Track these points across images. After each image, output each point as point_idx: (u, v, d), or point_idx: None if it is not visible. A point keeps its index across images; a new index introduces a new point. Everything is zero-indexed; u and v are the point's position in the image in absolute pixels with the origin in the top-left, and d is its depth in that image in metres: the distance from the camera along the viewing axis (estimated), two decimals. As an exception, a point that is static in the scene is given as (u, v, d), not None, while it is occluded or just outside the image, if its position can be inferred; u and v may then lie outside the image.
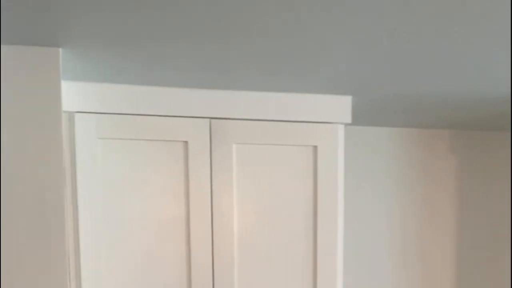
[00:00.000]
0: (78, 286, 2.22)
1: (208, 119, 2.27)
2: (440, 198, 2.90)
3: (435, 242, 2.92)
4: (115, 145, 2.24)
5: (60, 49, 1.83)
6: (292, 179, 2.36)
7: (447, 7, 1.59)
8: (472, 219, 2.94)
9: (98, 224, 2.24)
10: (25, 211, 1.86)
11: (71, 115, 2.16)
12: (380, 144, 2.81)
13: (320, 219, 2.37)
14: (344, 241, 2.42)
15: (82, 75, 2.09)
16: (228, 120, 2.28)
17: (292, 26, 1.72)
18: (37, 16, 1.60)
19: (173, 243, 2.31)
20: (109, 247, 2.26)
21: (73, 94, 2.14)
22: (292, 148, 2.34)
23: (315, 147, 2.34)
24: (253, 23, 1.69)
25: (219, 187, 2.31)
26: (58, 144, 1.88)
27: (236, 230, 2.34)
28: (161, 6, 1.54)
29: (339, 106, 2.32)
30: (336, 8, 1.59)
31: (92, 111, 2.19)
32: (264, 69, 2.07)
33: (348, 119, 2.34)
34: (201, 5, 1.54)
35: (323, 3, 1.55)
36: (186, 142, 2.27)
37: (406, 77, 2.17)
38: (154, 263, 2.31)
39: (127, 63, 2.00)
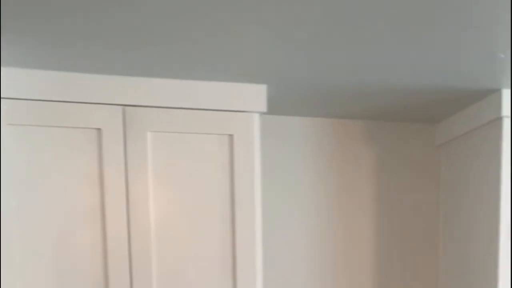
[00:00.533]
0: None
1: (121, 106, 2.24)
2: (358, 188, 2.93)
3: (354, 231, 2.94)
4: (26, 131, 2.19)
5: (-37, 31, 1.79)
6: (208, 168, 2.35)
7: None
8: (390, 209, 2.97)
9: (10, 212, 2.19)
10: None
11: (-24, 100, 2.11)
12: (297, 133, 2.81)
13: (238, 208, 2.37)
14: (262, 229, 2.42)
15: (-12, 59, 2.05)
16: (142, 108, 2.26)
17: (206, 14, 1.72)
18: None
19: (89, 232, 2.28)
20: (22, 235, 2.22)
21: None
22: (208, 136, 2.33)
23: (231, 136, 2.34)
24: (167, 10, 1.69)
25: (134, 175, 2.29)
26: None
27: (153, 218, 2.32)
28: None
29: (254, 94, 2.33)
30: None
31: (1, 96, 2.14)
32: (178, 56, 2.06)
33: (264, 108, 2.34)
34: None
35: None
36: (99, 130, 2.24)
37: (321, 67, 2.19)
38: (69, 252, 2.28)
39: (38, 47, 1.96)
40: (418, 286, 3.05)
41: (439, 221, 3.04)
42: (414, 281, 3.04)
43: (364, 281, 2.99)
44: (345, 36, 1.91)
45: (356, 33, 1.89)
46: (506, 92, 2.43)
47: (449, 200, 2.94)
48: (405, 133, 2.95)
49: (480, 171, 2.67)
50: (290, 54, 2.05)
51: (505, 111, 2.45)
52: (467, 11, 1.77)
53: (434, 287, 3.07)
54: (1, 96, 2.13)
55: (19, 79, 2.14)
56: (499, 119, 2.48)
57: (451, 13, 1.78)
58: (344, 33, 1.89)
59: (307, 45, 1.98)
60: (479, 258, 2.69)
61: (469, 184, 2.77)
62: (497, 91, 2.45)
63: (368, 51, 2.04)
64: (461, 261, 2.84)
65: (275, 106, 2.54)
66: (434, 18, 1.80)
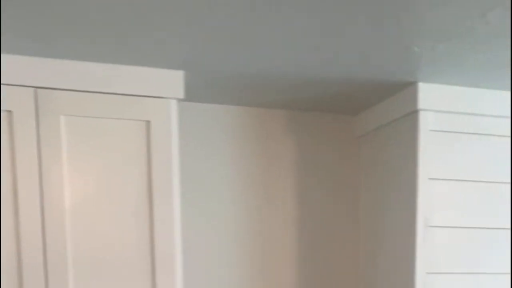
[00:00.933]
0: None
1: (33, 88, 2.18)
2: (279, 178, 2.92)
3: (275, 223, 2.93)
4: None
5: None
6: (125, 154, 2.32)
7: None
8: (312, 200, 2.98)
9: None
10: None
11: None
12: (217, 121, 2.79)
13: (156, 195, 2.34)
14: (182, 217, 2.39)
15: None
16: (55, 90, 2.20)
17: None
18: None
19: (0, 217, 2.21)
20: None
21: None
22: (124, 122, 2.29)
23: (148, 122, 2.31)
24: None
25: (48, 160, 2.23)
26: None
27: (68, 204, 2.27)
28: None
29: (171, 80, 2.30)
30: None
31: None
32: (93, 39, 2.02)
33: (181, 95, 2.31)
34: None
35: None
36: (10, 112, 2.17)
37: (239, 55, 2.17)
38: (-21, 239, 2.21)
39: None
40: (340, 280, 3.06)
41: (361, 211, 3.06)
42: (336, 273, 3.05)
43: (286, 275, 2.98)
44: (262, 25, 1.91)
45: (274, 23, 1.89)
46: (422, 86, 2.47)
47: (370, 191, 2.97)
48: (326, 123, 2.96)
49: (398, 163, 2.70)
50: (206, 40, 2.03)
51: (421, 104, 2.49)
52: (380, 3, 1.78)
53: (355, 282, 3.09)
54: None
55: None
56: (415, 112, 2.51)
57: (366, 5, 1.79)
58: (260, 21, 1.88)
59: (223, 32, 1.96)
60: (397, 247, 2.72)
61: (387, 176, 2.80)
62: (413, 84, 2.48)
63: (287, 41, 2.04)
64: (381, 251, 2.88)
65: (195, 93, 2.52)
66: (350, 9, 1.81)
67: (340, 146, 3.00)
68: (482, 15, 1.90)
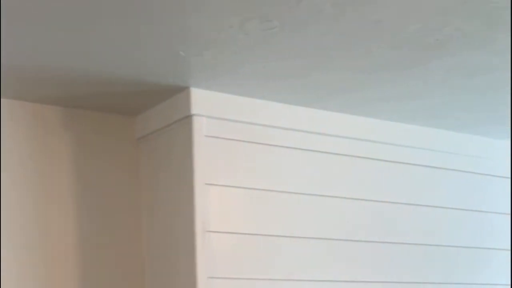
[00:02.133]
0: None
1: None
2: (56, 178, 2.76)
3: (51, 227, 2.73)
4: None
5: None
6: None
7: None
8: (90, 204, 2.83)
9: None
10: None
11: None
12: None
13: None
14: None
15: None
16: None
17: None
18: None
19: None
20: None
21: None
22: None
23: None
24: None
25: None
26: None
27: None
28: None
29: None
30: None
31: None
32: None
33: None
34: None
35: None
36: None
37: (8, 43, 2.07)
38: None
39: None
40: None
41: (142, 214, 3.00)
42: (118, 279, 2.94)
43: (66, 283, 2.81)
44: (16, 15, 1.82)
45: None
46: (194, 91, 2.49)
47: (150, 195, 2.93)
48: (106, 123, 2.87)
49: (176, 168, 2.70)
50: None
51: (194, 109, 2.51)
52: (146, 4, 1.77)
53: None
54: None
55: None
56: (189, 116, 2.53)
57: (130, 5, 1.78)
58: (18, 10, 1.80)
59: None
60: (178, 252, 2.71)
61: (166, 179, 2.79)
62: (186, 89, 2.50)
63: (36, 31, 1.97)
64: (163, 256, 2.84)
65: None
66: (114, 9, 1.79)
67: (120, 148, 2.91)
68: (240, 25, 1.93)
